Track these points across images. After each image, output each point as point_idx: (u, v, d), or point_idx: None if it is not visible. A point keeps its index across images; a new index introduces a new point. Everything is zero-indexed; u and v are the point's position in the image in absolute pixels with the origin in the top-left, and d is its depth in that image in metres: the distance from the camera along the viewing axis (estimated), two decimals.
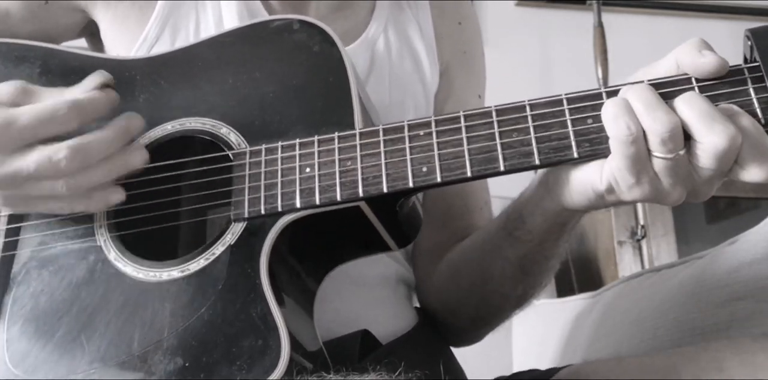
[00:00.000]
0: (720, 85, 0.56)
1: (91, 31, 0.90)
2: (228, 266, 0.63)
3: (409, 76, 0.91)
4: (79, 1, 0.87)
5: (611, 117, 0.56)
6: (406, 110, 0.89)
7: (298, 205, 0.63)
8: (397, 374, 0.56)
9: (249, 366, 0.57)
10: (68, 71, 0.77)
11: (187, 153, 0.70)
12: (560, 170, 0.62)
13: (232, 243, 0.64)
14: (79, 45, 0.89)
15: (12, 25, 0.86)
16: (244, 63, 0.72)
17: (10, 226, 0.72)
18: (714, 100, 0.55)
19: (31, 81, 0.76)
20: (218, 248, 0.64)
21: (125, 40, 0.85)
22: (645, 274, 1.08)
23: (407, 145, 0.62)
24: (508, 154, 0.59)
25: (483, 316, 0.87)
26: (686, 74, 0.57)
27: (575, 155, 0.58)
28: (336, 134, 0.64)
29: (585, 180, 0.59)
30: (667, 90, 0.57)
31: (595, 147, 0.57)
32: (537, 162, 0.58)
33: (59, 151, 0.62)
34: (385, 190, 0.61)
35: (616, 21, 2.31)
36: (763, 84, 0.55)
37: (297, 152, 0.65)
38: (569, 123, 0.58)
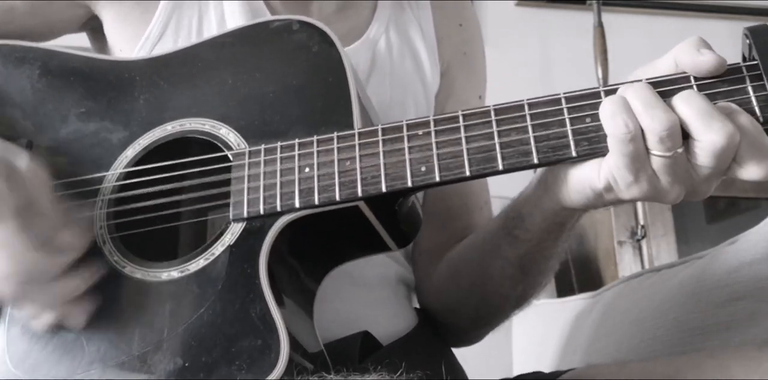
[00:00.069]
0: (718, 84, 0.56)
1: (92, 26, 0.91)
2: (227, 267, 0.63)
3: (410, 77, 0.91)
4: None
5: (609, 115, 0.56)
6: (406, 110, 0.89)
7: (297, 205, 0.63)
8: (398, 374, 0.56)
9: (248, 365, 0.57)
10: (68, 72, 0.77)
11: (187, 154, 0.70)
12: (559, 169, 0.62)
13: (231, 243, 0.64)
14: (80, 43, 0.90)
15: (15, 19, 0.87)
16: (244, 63, 0.72)
17: None
18: (712, 98, 0.55)
19: (32, 82, 0.77)
20: (217, 249, 0.64)
21: (128, 37, 0.86)
22: (645, 274, 1.08)
23: (406, 145, 0.62)
24: (506, 153, 0.59)
25: (483, 316, 0.87)
26: (685, 73, 0.57)
27: (574, 153, 0.58)
28: (335, 133, 0.64)
29: (583, 179, 0.59)
30: (665, 88, 0.57)
31: (594, 146, 0.57)
32: (536, 161, 0.58)
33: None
34: (384, 190, 0.61)
35: (616, 21, 2.31)
36: (762, 82, 0.55)
37: (296, 152, 0.65)
38: (568, 122, 0.58)
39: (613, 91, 0.58)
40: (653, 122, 0.54)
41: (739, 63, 0.57)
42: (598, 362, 0.99)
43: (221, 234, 0.65)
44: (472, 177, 0.60)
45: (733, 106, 0.55)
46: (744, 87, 0.56)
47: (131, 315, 0.63)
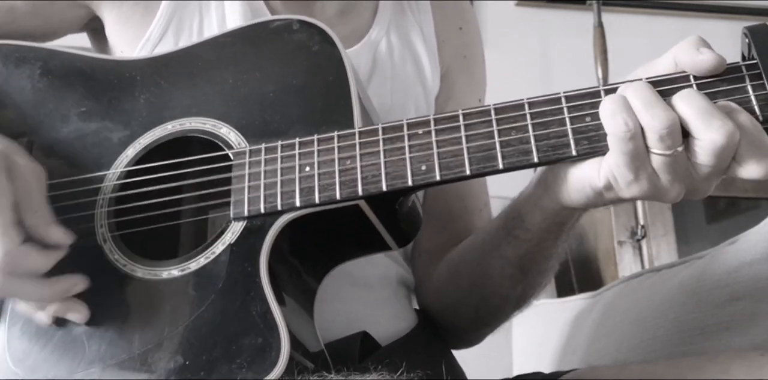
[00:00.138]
0: (718, 83, 0.56)
1: (93, 26, 0.91)
2: (228, 265, 0.63)
3: (410, 79, 0.92)
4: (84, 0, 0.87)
5: (609, 114, 0.56)
6: (407, 112, 0.89)
7: (297, 204, 0.63)
8: (398, 374, 0.57)
9: (249, 364, 0.57)
10: (69, 72, 0.77)
11: (187, 153, 0.70)
12: (559, 168, 0.62)
13: (232, 242, 0.64)
14: (81, 43, 0.90)
15: (16, 19, 0.87)
16: (244, 63, 0.72)
17: None
18: (712, 97, 0.55)
19: (32, 82, 0.77)
20: (218, 247, 0.64)
21: (129, 38, 0.86)
22: (645, 274, 1.08)
23: (406, 143, 0.62)
24: (506, 152, 0.59)
25: (482, 317, 0.87)
26: (684, 72, 0.57)
27: (574, 152, 0.58)
28: (335, 132, 0.64)
29: (583, 177, 0.59)
30: (665, 88, 0.57)
31: (594, 145, 0.57)
32: (536, 160, 0.58)
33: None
34: (384, 188, 0.61)
35: (616, 21, 2.31)
36: (761, 81, 0.55)
37: (297, 151, 0.65)
38: (568, 121, 0.58)
39: (613, 91, 0.58)
40: (653, 120, 0.54)
41: (738, 62, 0.57)
42: (598, 362, 0.99)
43: (222, 233, 0.65)
44: (473, 176, 0.60)
45: (733, 105, 0.55)
46: (743, 86, 0.56)
47: (131, 313, 0.64)
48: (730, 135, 0.53)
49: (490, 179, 0.63)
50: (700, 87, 0.56)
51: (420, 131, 0.62)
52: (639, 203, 1.82)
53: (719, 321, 0.83)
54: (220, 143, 0.69)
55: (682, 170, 0.56)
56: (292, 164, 0.64)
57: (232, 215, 0.65)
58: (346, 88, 0.67)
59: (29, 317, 0.65)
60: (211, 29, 0.85)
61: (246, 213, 0.64)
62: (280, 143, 0.66)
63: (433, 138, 0.61)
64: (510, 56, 2.25)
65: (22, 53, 0.79)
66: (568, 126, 0.58)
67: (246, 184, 0.65)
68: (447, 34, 0.96)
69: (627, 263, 1.80)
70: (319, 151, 0.64)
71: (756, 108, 0.55)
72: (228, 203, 0.65)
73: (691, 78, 0.57)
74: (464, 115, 0.61)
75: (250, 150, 0.66)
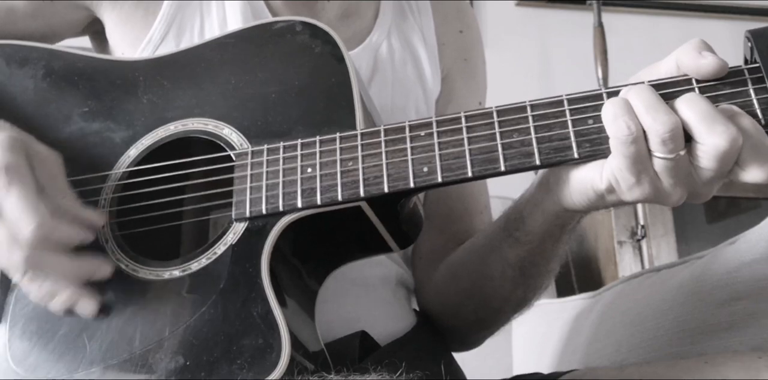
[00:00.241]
0: (720, 86, 0.57)
1: (94, 29, 0.91)
2: (229, 266, 0.63)
3: (411, 82, 0.92)
4: (84, 0, 0.87)
5: (611, 117, 0.56)
6: (407, 115, 0.89)
7: (299, 205, 0.63)
8: (398, 374, 0.57)
9: (250, 364, 0.57)
10: (72, 72, 0.77)
11: (190, 153, 0.70)
12: (561, 171, 0.62)
13: (233, 243, 0.64)
14: (82, 44, 0.90)
15: (16, 21, 0.87)
16: (247, 64, 0.72)
17: None
18: (714, 101, 0.56)
19: (35, 82, 0.77)
20: (220, 248, 0.64)
21: (130, 40, 0.86)
22: (645, 274, 1.08)
23: (408, 145, 0.62)
24: (508, 154, 0.59)
25: (482, 319, 0.87)
26: (687, 75, 0.57)
27: (576, 155, 0.58)
28: (338, 134, 0.64)
29: (585, 180, 0.59)
30: (667, 91, 0.57)
31: (596, 147, 0.58)
32: (538, 162, 0.58)
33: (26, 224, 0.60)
34: (386, 190, 0.61)
35: (616, 21, 2.31)
36: (764, 85, 0.56)
37: (299, 152, 0.65)
38: (570, 123, 0.58)
39: (615, 93, 0.58)
40: (655, 123, 0.54)
41: (740, 66, 0.57)
42: (598, 362, 0.99)
43: (223, 234, 0.65)
44: (475, 178, 0.60)
45: (735, 108, 0.55)
46: (746, 90, 0.56)
47: (133, 313, 0.64)
48: (733, 140, 0.53)
49: (491, 179, 0.63)
50: (702, 90, 0.56)
51: (422, 133, 0.62)
52: (639, 204, 1.82)
53: (719, 321, 0.83)
54: (222, 144, 0.69)
55: (684, 174, 0.56)
56: (294, 165, 0.64)
57: (233, 216, 0.65)
58: (349, 90, 0.67)
59: (40, 303, 0.65)
60: (212, 30, 0.85)
61: (248, 214, 0.64)
62: (282, 144, 0.66)
63: (435, 140, 0.61)
64: (510, 56, 2.25)
65: (25, 53, 0.79)
66: (571, 129, 0.58)
67: (248, 185, 0.65)
68: (447, 37, 0.96)
69: (627, 263, 1.81)
70: (321, 152, 0.64)
71: (758, 112, 0.55)
72: (230, 204, 0.66)
73: (694, 81, 0.57)
74: (466, 117, 0.61)
75: (253, 151, 0.67)
